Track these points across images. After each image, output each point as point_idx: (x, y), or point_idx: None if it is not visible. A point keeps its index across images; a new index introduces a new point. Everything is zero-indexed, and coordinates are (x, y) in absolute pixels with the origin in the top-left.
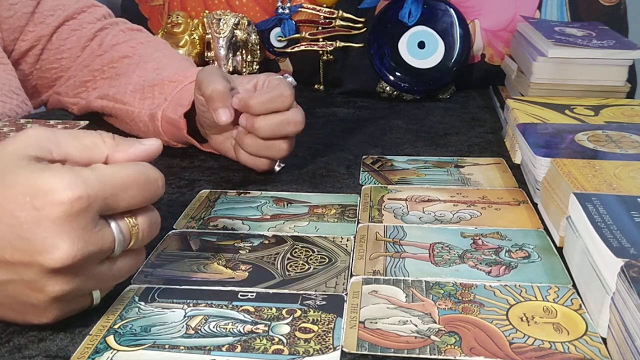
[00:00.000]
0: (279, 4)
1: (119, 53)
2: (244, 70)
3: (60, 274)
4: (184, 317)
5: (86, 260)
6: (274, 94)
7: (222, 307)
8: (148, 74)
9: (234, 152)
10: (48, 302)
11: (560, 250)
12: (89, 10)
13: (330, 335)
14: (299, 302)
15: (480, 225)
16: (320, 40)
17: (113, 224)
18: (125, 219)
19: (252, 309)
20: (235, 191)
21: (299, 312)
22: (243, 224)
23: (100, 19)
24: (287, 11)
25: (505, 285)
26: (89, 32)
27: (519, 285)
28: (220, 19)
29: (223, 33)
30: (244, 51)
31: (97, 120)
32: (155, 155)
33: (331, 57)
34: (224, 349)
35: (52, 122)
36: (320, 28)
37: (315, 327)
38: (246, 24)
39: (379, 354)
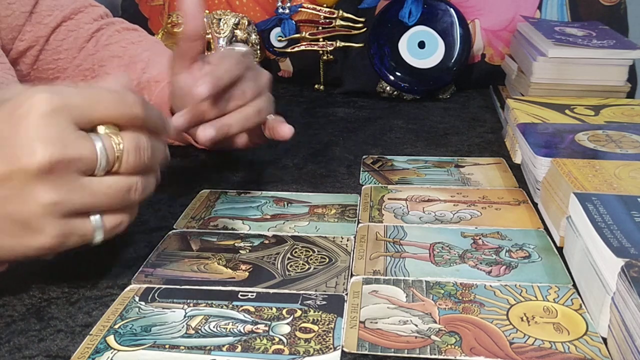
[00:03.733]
0: (279, 4)
1: (109, 52)
2: None
3: (44, 180)
4: (184, 317)
5: (67, 166)
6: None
7: (222, 307)
8: (137, 75)
9: (225, 144)
10: (41, 213)
11: (560, 250)
12: (87, 11)
13: (331, 335)
14: (299, 302)
15: (480, 225)
16: (321, 40)
17: (94, 137)
18: (110, 136)
19: (252, 309)
20: (235, 191)
21: (299, 312)
22: (243, 223)
23: (97, 19)
24: (287, 11)
25: (506, 285)
26: (86, 33)
27: (519, 285)
28: (220, 19)
29: (223, 33)
30: None
31: None
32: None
33: (331, 57)
34: (224, 348)
35: None
36: (320, 28)
37: (315, 327)
38: (246, 23)
39: (379, 353)
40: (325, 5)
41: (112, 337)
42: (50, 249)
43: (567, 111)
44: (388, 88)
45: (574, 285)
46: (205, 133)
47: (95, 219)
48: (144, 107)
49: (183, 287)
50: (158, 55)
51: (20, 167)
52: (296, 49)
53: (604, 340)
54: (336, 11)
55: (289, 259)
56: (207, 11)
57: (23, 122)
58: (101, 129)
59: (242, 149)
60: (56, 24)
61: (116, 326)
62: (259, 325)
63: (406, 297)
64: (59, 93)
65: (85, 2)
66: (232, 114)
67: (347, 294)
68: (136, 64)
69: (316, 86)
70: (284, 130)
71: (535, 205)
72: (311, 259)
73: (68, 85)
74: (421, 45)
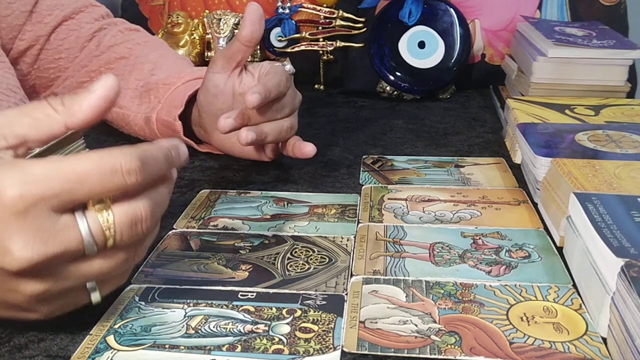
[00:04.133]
0: (279, 3)
1: (115, 54)
2: None
3: (27, 275)
4: (184, 316)
5: (51, 262)
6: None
7: (222, 307)
8: (144, 76)
9: (238, 148)
10: (29, 301)
11: (560, 250)
12: (87, 10)
13: (331, 335)
14: (299, 302)
15: (480, 225)
16: (321, 40)
17: (81, 223)
18: (98, 215)
19: (252, 309)
20: (235, 191)
21: (299, 312)
22: (243, 223)
23: (98, 19)
24: (287, 11)
25: (506, 285)
26: (87, 33)
27: (519, 285)
28: (220, 19)
29: (223, 33)
30: None
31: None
32: (111, 97)
33: (331, 57)
34: (224, 348)
35: None
36: (320, 28)
37: (315, 327)
38: None
39: (379, 353)
40: (325, 5)
41: (112, 337)
42: (46, 319)
43: (567, 111)
44: (388, 88)
45: (574, 285)
46: (248, 136)
47: (90, 286)
48: (142, 167)
49: (183, 287)
50: (166, 58)
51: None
52: (296, 49)
53: (604, 340)
54: (336, 11)
55: (289, 258)
56: (207, 11)
57: None
58: (89, 204)
59: (255, 158)
60: (57, 23)
61: (116, 326)
62: (258, 325)
63: (406, 297)
64: (32, 182)
65: (86, 1)
66: (270, 123)
67: (347, 294)
68: (143, 65)
69: (316, 86)
70: (308, 148)
71: (535, 205)
72: (311, 259)
73: (44, 109)
74: (421, 45)
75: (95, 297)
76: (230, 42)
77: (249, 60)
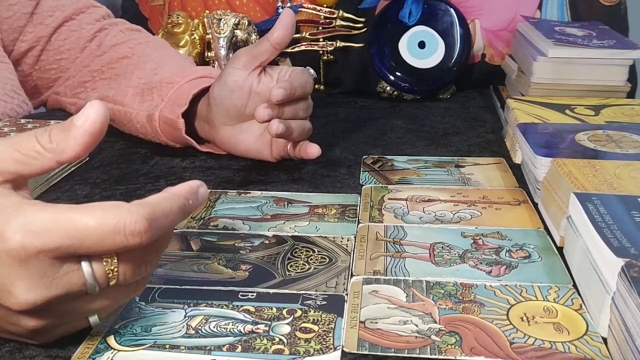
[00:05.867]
0: (279, 4)
1: (117, 54)
2: None
3: (29, 313)
4: (185, 317)
5: (52, 303)
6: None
7: (222, 307)
8: (147, 75)
9: (242, 147)
10: (30, 333)
11: (560, 250)
12: (88, 11)
13: (331, 335)
14: (300, 302)
15: (480, 225)
16: (321, 40)
17: (85, 267)
18: (103, 260)
19: (252, 309)
20: (235, 191)
21: (299, 312)
22: (243, 224)
23: (99, 19)
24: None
25: (506, 285)
26: (88, 33)
27: (520, 285)
28: (220, 19)
29: (223, 33)
30: None
31: None
32: (98, 130)
33: (331, 57)
34: (224, 349)
35: (52, 122)
36: (320, 28)
37: (315, 327)
38: (246, 24)
39: (379, 353)
40: (325, 5)
41: (112, 337)
42: (47, 342)
43: (567, 111)
44: (388, 88)
45: (574, 285)
46: (279, 127)
47: (94, 319)
48: (149, 228)
49: (183, 287)
50: (168, 57)
51: (1, 304)
52: (296, 49)
53: (604, 340)
54: (336, 11)
55: (289, 259)
56: (207, 11)
57: None
58: None
59: (258, 158)
60: (57, 24)
61: (116, 326)
62: (259, 325)
63: (406, 297)
64: (33, 234)
65: (87, 2)
66: (297, 121)
67: (347, 294)
68: (145, 64)
69: (316, 86)
70: (313, 150)
71: (535, 205)
72: (311, 259)
73: (32, 146)
74: (421, 45)
75: (94, 320)
76: (259, 40)
77: None
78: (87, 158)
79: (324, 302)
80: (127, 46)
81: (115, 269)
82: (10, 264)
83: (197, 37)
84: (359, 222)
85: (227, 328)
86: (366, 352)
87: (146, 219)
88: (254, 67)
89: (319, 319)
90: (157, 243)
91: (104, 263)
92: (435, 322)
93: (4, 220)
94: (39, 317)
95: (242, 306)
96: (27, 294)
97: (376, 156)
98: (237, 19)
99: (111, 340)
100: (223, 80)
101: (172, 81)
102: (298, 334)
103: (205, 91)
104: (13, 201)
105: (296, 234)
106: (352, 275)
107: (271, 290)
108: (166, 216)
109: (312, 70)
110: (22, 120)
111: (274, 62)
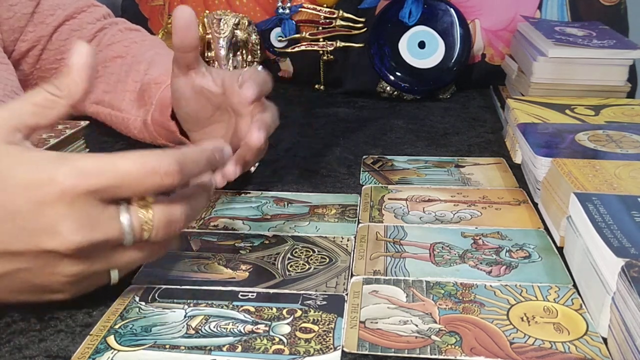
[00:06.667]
0: (279, 4)
1: (112, 52)
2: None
3: (69, 257)
4: (185, 317)
5: (94, 247)
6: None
7: (222, 307)
8: (140, 76)
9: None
10: (63, 283)
11: (560, 250)
12: (89, 10)
13: (331, 335)
14: (300, 302)
15: (480, 225)
16: (321, 40)
17: (124, 216)
18: (140, 212)
19: (252, 309)
20: (235, 191)
21: (299, 312)
22: (243, 224)
23: (100, 18)
24: (287, 11)
25: (506, 285)
26: (89, 33)
27: (520, 285)
28: (220, 19)
29: (223, 33)
30: (244, 51)
31: (98, 121)
32: (92, 56)
33: (331, 57)
34: (224, 349)
35: None
36: (320, 28)
37: (315, 327)
38: (246, 24)
39: (379, 353)
40: (325, 5)
41: (112, 337)
42: (68, 298)
43: (567, 111)
44: (388, 88)
45: (574, 285)
46: (260, 136)
47: (114, 275)
48: (180, 170)
49: (183, 287)
50: (161, 56)
51: (46, 248)
52: (296, 49)
53: (604, 340)
54: (336, 11)
55: (289, 259)
56: (207, 11)
57: (48, 208)
58: (133, 200)
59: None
60: (58, 24)
61: (116, 326)
62: (259, 325)
63: (406, 297)
64: (84, 175)
65: (88, 2)
66: (268, 113)
67: (347, 294)
68: (139, 64)
69: (316, 86)
70: (254, 135)
71: (535, 205)
72: (311, 259)
73: (47, 95)
74: (421, 45)
75: (114, 276)
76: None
77: (250, 60)
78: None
79: (324, 302)
80: (122, 45)
81: (150, 222)
82: (61, 206)
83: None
84: (359, 222)
85: (227, 328)
86: (366, 352)
87: (178, 162)
88: (186, 73)
89: (319, 319)
90: (190, 208)
91: (141, 215)
92: (436, 322)
93: (53, 167)
94: (78, 261)
95: (242, 306)
96: (75, 234)
97: (376, 156)
98: (237, 19)
99: (111, 340)
100: (172, 93)
101: (159, 81)
102: (298, 334)
103: None
104: (50, 153)
105: (296, 234)
106: (352, 275)
107: (271, 290)
108: (196, 163)
109: (260, 67)
110: (60, 126)
111: (275, 63)
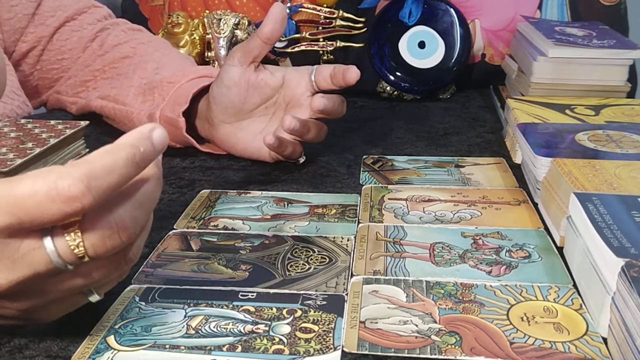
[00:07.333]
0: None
1: (120, 53)
2: None
3: (8, 298)
4: (185, 317)
5: (28, 282)
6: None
7: (222, 307)
8: (148, 74)
9: (240, 146)
10: (21, 314)
11: (560, 250)
12: (90, 11)
13: (331, 335)
14: (300, 302)
15: (480, 225)
16: (321, 40)
17: (47, 244)
18: (67, 236)
19: (252, 309)
20: (235, 191)
21: (299, 312)
22: (243, 224)
23: (100, 19)
24: (287, 11)
25: (506, 285)
26: (90, 33)
27: (520, 285)
28: (220, 19)
29: (223, 33)
30: None
31: (98, 121)
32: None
33: (331, 57)
34: (224, 349)
35: (52, 122)
36: (320, 28)
37: (315, 327)
38: (246, 24)
39: (379, 353)
40: (325, 5)
41: (112, 337)
42: (52, 320)
43: (567, 111)
44: (388, 88)
45: (574, 285)
46: (292, 122)
47: (85, 290)
48: (86, 191)
49: (183, 287)
50: (170, 56)
51: None
52: (296, 49)
53: (604, 340)
54: (336, 11)
55: (289, 259)
56: (207, 11)
57: None
58: (55, 225)
59: (256, 158)
60: (59, 25)
61: (116, 326)
62: (259, 325)
63: (406, 297)
64: None
65: (88, 2)
66: (313, 120)
67: (347, 294)
68: (147, 64)
69: None
70: (352, 74)
71: (535, 205)
72: (311, 259)
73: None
74: (421, 45)
75: (94, 298)
76: (251, 36)
77: None
78: (88, 150)
79: (324, 302)
80: (129, 46)
81: (80, 244)
82: None
83: (197, 37)
84: (359, 222)
85: (227, 328)
86: (366, 352)
87: (81, 180)
88: (249, 63)
89: (319, 319)
90: (131, 209)
91: (67, 239)
92: (435, 322)
93: None
94: (20, 299)
95: (242, 306)
96: None
97: (376, 156)
98: (237, 19)
99: (111, 340)
100: (220, 78)
101: (172, 80)
102: (298, 334)
103: (205, 90)
104: None
105: (296, 234)
106: (352, 275)
107: (271, 290)
108: (110, 172)
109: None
110: (22, 121)
111: (274, 63)
